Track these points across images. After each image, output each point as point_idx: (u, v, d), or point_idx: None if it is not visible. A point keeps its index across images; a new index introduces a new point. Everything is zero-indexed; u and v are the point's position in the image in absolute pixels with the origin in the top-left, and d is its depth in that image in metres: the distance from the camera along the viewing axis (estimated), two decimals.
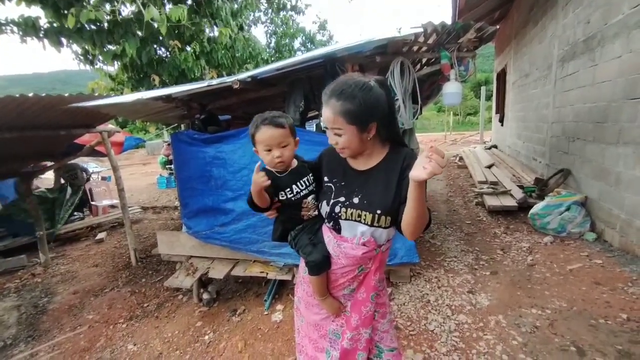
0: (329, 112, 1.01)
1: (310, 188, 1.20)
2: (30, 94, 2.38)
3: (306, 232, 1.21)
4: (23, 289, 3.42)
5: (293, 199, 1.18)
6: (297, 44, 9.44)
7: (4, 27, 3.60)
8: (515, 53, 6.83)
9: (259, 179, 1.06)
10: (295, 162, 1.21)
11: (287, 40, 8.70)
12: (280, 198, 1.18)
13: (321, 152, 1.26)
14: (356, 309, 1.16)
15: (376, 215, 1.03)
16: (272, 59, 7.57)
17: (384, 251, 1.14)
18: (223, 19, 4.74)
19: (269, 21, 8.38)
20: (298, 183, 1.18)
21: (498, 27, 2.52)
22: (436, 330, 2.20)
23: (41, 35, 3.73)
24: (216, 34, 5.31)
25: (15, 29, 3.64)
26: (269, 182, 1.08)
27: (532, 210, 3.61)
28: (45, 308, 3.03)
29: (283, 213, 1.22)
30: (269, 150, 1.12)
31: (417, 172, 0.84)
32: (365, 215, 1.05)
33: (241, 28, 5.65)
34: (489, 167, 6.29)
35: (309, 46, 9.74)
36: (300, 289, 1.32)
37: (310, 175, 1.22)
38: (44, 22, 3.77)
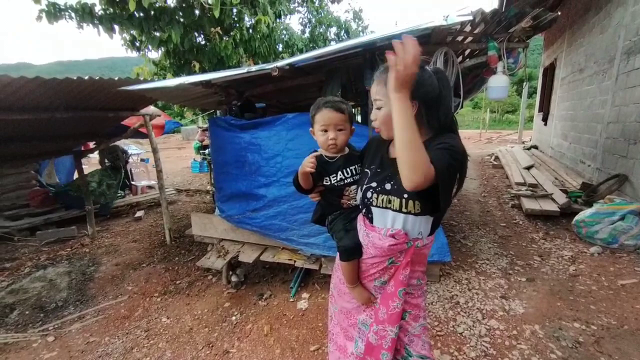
0: (374, 86, 1.04)
1: (357, 177, 1.21)
2: (86, 77, 2.55)
3: (342, 218, 1.23)
4: (73, 257, 3.74)
5: (336, 185, 1.20)
6: (331, 34, 9.29)
7: (62, 13, 3.87)
8: (568, 45, 6.27)
9: (307, 163, 1.11)
10: (346, 150, 1.24)
11: (321, 29, 8.59)
12: (324, 183, 1.21)
13: (370, 139, 1.25)
14: (384, 302, 1.14)
15: (403, 200, 1.00)
16: (307, 48, 7.53)
17: (420, 247, 1.08)
18: (261, 6, 4.76)
19: (304, 10, 8.31)
20: (344, 170, 1.20)
21: (559, 13, 2.29)
22: (465, 334, 2.12)
23: (96, 22, 3.96)
24: (254, 22, 5.36)
25: (73, 14, 3.89)
26: (313, 169, 1.11)
27: (577, 217, 3.34)
28: (92, 276, 3.30)
29: (325, 197, 1.24)
30: (325, 131, 1.16)
31: (389, 85, 0.83)
32: (393, 200, 1.03)
33: (278, 16, 5.66)
34: (528, 168, 5.91)
35: (343, 36, 9.56)
36: (335, 275, 1.33)
37: (358, 165, 1.22)
38: (98, 9, 4.01)
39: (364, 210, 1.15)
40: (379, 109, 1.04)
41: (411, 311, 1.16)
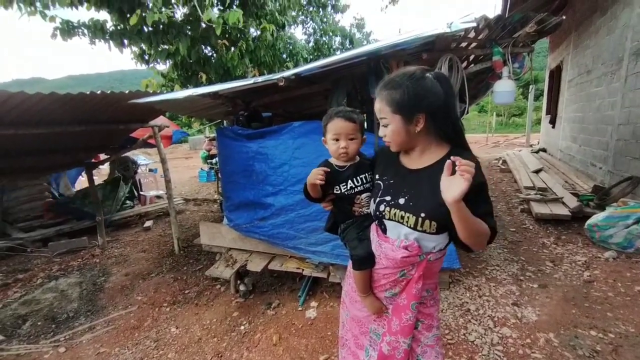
0: (377, 103, 1.02)
1: (367, 186, 1.22)
2: (98, 92, 2.63)
3: (355, 227, 1.23)
4: (84, 268, 3.80)
5: (347, 193, 1.21)
6: (336, 43, 9.42)
7: (76, 30, 4.01)
8: (575, 47, 6.23)
9: (317, 175, 1.11)
10: (357, 159, 1.25)
11: (326, 38, 8.72)
12: (335, 192, 1.21)
13: (380, 148, 1.24)
14: (397, 314, 1.12)
15: (420, 219, 0.98)
16: (311, 57, 7.64)
17: (432, 260, 1.05)
18: (270, 17, 4.85)
19: (309, 19, 8.46)
20: (355, 179, 1.20)
21: (564, 17, 2.28)
22: (477, 342, 2.08)
23: (107, 37, 4.10)
24: (259, 32, 5.47)
25: (85, 31, 4.03)
26: (322, 182, 1.13)
27: (590, 221, 3.27)
28: (102, 286, 3.34)
29: (337, 206, 1.25)
30: (337, 140, 1.18)
31: (450, 193, 0.82)
32: (408, 217, 1.00)
33: (283, 27, 5.76)
34: (537, 171, 5.83)
35: (348, 46, 9.68)
36: (347, 283, 1.32)
37: (369, 173, 1.22)
38: (109, 25, 4.15)
39: (377, 221, 1.14)
40: (385, 126, 1.02)
41: (424, 320, 1.14)
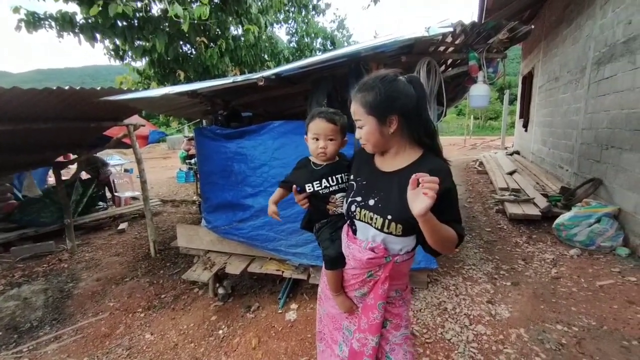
0: (352, 105, 1.04)
1: (342, 186, 1.24)
2: (67, 87, 2.49)
3: (329, 227, 1.25)
4: (50, 274, 3.58)
5: (321, 192, 1.22)
6: (317, 44, 9.44)
7: (42, 22, 3.78)
8: (544, 55, 6.56)
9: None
10: (336, 159, 1.27)
11: (307, 40, 8.73)
12: (307, 190, 1.23)
13: (357, 150, 1.25)
14: (365, 313, 1.14)
15: (386, 221, 1.00)
16: (293, 57, 7.61)
17: (399, 262, 1.07)
18: (253, 17, 4.79)
19: (291, 20, 8.42)
20: (330, 178, 1.23)
21: (533, 26, 2.42)
22: (453, 340, 2.14)
23: (77, 30, 3.89)
24: (240, 32, 5.38)
25: (53, 24, 3.81)
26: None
27: (557, 221, 3.46)
28: (70, 293, 3.16)
29: (312, 204, 1.26)
30: (317, 140, 1.21)
31: (415, 207, 0.84)
32: (376, 218, 1.02)
33: (265, 27, 5.69)
34: (511, 173, 6.09)
35: (329, 46, 9.73)
36: (322, 280, 1.34)
37: (346, 174, 1.24)
38: (79, 18, 3.93)
39: (348, 221, 1.16)
40: (360, 127, 1.04)
41: (392, 320, 1.16)
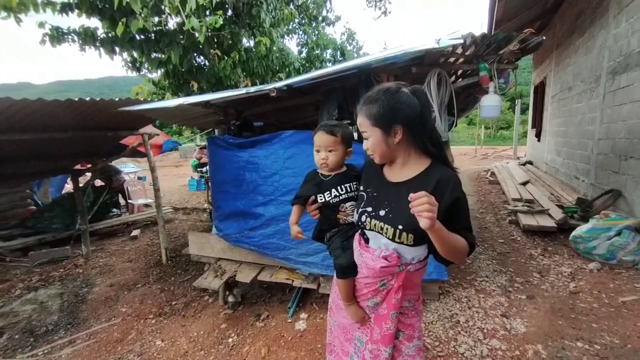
0: (358, 118, 1.07)
1: (352, 194, 1.25)
2: (87, 98, 2.60)
3: (340, 236, 1.26)
4: (66, 278, 3.66)
5: (331, 202, 1.25)
6: (327, 55, 9.59)
7: (65, 36, 3.97)
8: (556, 65, 6.50)
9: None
10: (343, 168, 1.30)
11: (318, 51, 8.88)
12: (319, 200, 1.26)
13: (366, 161, 1.27)
14: (378, 323, 1.14)
15: (397, 231, 1.01)
16: (303, 68, 7.74)
17: (412, 272, 1.08)
18: (266, 30, 4.92)
19: (301, 32, 8.60)
20: (339, 187, 1.25)
21: (544, 37, 2.40)
22: (467, 354, 2.08)
23: (98, 44, 4.07)
24: (252, 43, 5.52)
25: (76, 38, 4.00)
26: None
27: (574, 233, 3.36)
28: (84, 298, 3.22)
29: (323, 213, 1.28)
30: (319, 152, 1.26)
31: (421, 224, 0.85)
32: (387, 228, 1.03)
33: (276, 39, 5.83)
34: (524, 183, 5.98)
35: (339, 57, 9.87)
36: (333, 290, 1.34)
37: (355, 183, 1.27)
38: (100, 32, 4.12)
39: (359, 231, 1.18)
40: (367, 139, 1.07)
41: (405, 331, 1.15)
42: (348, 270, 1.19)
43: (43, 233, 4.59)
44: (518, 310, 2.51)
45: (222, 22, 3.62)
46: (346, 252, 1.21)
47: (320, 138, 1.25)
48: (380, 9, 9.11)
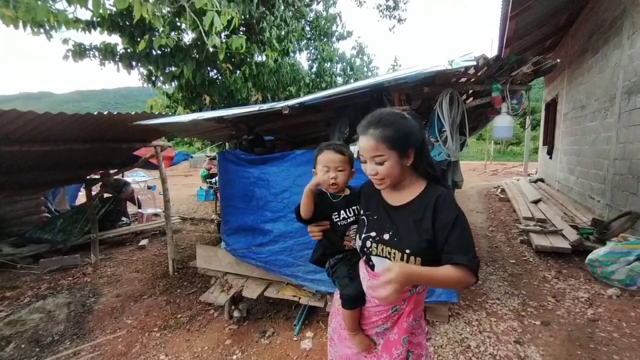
0: (369, 141, 1.01)
1: (355, 218, 1.25)
2: (105, 112, 2.68)
3: (345, 264, 1.24)
4: (74, 287, 3.69)
5: (339, 224, 1.23)
6: (337, 69, 9.73)
7: (87, 52, 4.14)
8: (568, 83, 6.46)
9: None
10: (348, 191, 1.29)
11: (328, 65, 9.02)
12: (334, 218, 1.24)
13: (362, 185, 1.27)
14: (387, 350, 1.11)
15: (405, 255, 1.00)
16: (313, 83, 7.85)
17: (420, 292, 1.09)
18: (273, 44, 5.05)
19: (312, 47, 8.77)
20: (347, 210, 1.24)
21: (558, 60, 2.41)
22: None
23: (117, 59, 4.23)
24: (263, 58, 5.66)
25: (97, 53, 4.17)
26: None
27: (591, 256, 3.24)
28: (91, 308, 3.23)
29: (327, 236, 1.26)
30: (327, 171, 1.23)
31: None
32: (394, 253, 1.02)
33: (287, 53, 5.97)
34: (536, 202, 5.85)
35: (349, 72, 10.01)
36: (334, 319, 1.30)
37: (357, 206, 1.26)
38: (119, 48, 4.29)
39: (364, 258, 1.15)
40: (380, 163, 1.04)
41: (414, 351, 1.14)
42: (357, 300, 1.15)
43: (48, 243, 4.60)
44: (532, 336, 2.42)
45: (247, 45, 3.70)
46: (354, 281, 1.18)
47: (330, 157, 1.23)
48: (395, 17, 9.28)
